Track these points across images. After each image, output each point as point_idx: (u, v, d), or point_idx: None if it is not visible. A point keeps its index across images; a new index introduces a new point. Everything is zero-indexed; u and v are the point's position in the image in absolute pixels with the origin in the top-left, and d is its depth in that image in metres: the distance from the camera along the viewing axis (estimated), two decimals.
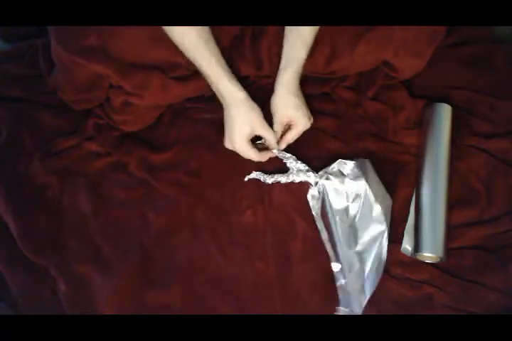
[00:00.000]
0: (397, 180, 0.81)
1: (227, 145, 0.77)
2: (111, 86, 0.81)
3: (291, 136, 0.79)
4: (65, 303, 0.72)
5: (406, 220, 0.78)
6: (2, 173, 0.79)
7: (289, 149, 0.80)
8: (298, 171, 0.78)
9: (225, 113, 0.77)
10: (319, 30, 0.76)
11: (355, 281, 0.72)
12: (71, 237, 0.77)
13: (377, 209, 0.74)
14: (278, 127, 0.78)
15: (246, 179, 0.79)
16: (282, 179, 0.79)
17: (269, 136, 0.77)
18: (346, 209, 0.76)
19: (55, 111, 0.86)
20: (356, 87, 0.89)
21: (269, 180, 0.79)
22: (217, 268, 0.75)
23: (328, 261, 0.74)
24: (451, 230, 0.76)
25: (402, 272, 0.74)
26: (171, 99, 0.85)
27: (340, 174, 0.77)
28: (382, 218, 0.74)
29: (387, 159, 0.83)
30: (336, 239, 0.74)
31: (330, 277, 0.74)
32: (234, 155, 0.80)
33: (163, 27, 0.72)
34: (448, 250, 0.73)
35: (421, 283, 0.73)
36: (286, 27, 0.77)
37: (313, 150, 0.83)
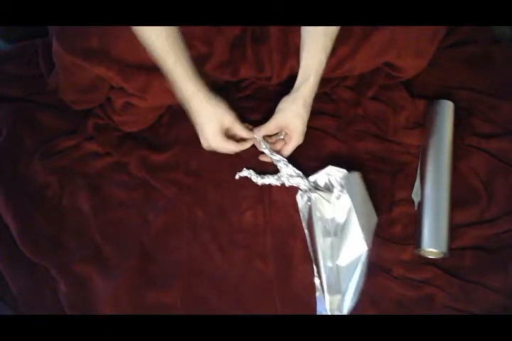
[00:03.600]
0: (397, 180, 0.81)
1: (204, 145, 0.76)
2: (112, 87, 0.81)
3: (286, 152, 0.78)
4: (65, 303, 0.72)
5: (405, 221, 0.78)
6: (2, 173, 0.80)
7: None
8: (288, 176, 0.77)
9: (192, 116, 0.74)
10: None
11: (334, 296, 0.70)
12: (71, 237, 0.77)
13: (359, 227, 0.71)
14: (271, 125, 0.77)
15: (237, 177, 0.79)
16: (272, 181, 0.78)
17: (239, 131, 0.76)
18: (333, 221, 0.74)
19: (55, 111, 0.86)
20: (356, 87, 0.89)
21: (260, 181, 0.78)
22: (217, 268, 0.75)
23: None
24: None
25: (403, 272, 0.74)
26: (172, 100, 0.85)
27: (329, 183, 0.76)
28: (364, 236, 0.70)
29: (387, 159, 0.83)
30: (319, 249, 0.72)
31: None
32: (234, 155, 0.80)
33: (132, 27, 0.68)
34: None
35: (422, 283, 0.73)
36: (302, 33, 0.74)
37: (313, 150, 0.83)
